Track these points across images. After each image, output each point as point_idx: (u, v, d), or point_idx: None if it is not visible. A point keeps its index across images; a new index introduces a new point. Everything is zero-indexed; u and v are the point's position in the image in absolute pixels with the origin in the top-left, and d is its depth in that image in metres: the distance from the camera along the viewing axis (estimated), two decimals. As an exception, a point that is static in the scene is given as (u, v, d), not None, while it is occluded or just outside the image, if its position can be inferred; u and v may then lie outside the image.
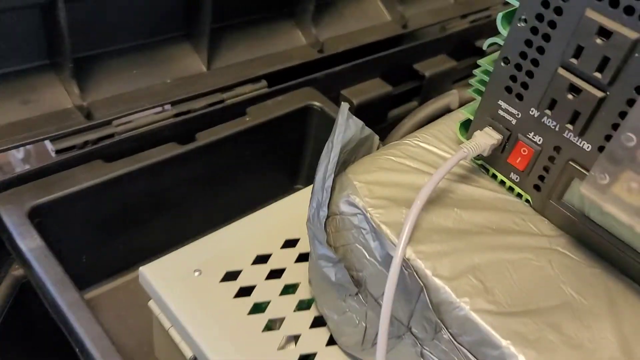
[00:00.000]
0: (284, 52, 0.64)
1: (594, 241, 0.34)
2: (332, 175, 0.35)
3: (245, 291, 0.41)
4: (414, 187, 0.35)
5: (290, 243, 0.46)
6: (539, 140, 0.34)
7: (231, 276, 0.42)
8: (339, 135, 0.35)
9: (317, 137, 0.60)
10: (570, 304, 0.31)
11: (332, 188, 0.36)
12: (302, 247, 0.45)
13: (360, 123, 0.38)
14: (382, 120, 0.69)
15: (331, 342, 0.40)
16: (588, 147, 0.32)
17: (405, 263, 0.31)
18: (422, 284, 0.31)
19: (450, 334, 0.30)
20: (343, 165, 0.37)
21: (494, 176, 0.38)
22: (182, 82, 0.54)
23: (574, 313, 0.30)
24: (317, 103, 0.59)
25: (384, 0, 0.71)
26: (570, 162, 0.33)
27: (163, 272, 0.40)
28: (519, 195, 0.37)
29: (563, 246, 0.34)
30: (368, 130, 0.39)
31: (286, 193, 0.51)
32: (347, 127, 0.36)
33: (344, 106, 0.36)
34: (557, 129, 0.33)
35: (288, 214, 0.46)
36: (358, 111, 0.65)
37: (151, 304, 0.41)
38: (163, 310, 0.39)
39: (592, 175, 0.30)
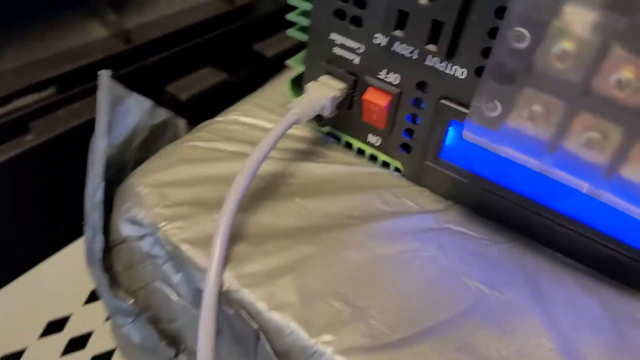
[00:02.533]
0: (79, 48, 0.50)
1: (493, 205, 0.24)
2: (102, 186, 0.22)
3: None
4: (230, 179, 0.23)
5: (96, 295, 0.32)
6: (396, 79, 0.24)
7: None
8: (101, 123, 0.23)
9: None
10: (481, 305, 0.20)
11: (114, 204, 0.23)
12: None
13: (148, 103, 0.26)
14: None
15: None
16: (462, 72, 0.22)
17: (226, 299, 0.20)
18: (255, 326, 0.19)
19: (314, 396, 0.19)
20: (126, 168, 0.25)
21: (349, 145, 0.27)
22: None
23: (490, 317, 0.20)
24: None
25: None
26: (443, 101, 0.23)
27: None
28: (386, 165, 0.26)
29: (454, 222, 0.24)
30: (164, 113, 0.27)
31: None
32: (121, 111, 0.24)
33: (103, 76, 0.23)
34: (415, 56, 0.22)
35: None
36: (189, 108, 0.53)
37: None
38: None
39: (476, 108, 0.20)
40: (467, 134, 0.21)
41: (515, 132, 0.20)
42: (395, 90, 0.24)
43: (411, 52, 0.23)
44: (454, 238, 0.23)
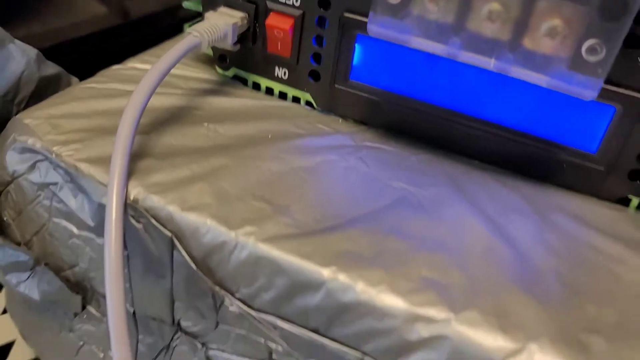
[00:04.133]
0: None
1: (407, 119, 0.24)
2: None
3: None
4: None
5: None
6: (297, 1, 0.23)
7: None
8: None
9: None
10: (407, 199, 0.20)
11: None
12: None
13: (34, 52, 0.24)
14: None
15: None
16: (362, -22, 0.22)
17: (133, 210, 0.18)
18: (168, 234, 0.17)
19: (240, 300, 0.17)
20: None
21: (256, 86, 0.26)
22: None
23: (417, 208, 0.19)
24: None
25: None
26: (346, 14, 0.22)
27: None
28: (296, 101, 0.26)
29: (371, 140, 0.23)
30: (54, 68, 0.25)
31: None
32: (2, 56, 0.22)
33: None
34: (314, -31, 0.22)
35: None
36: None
37: None
38: None
39: (379, -3, 0.19)
40: (373, 29, 0.20)
41: (420, 18, 0.20)
42: (298, 12, 0.23)
43: (309, -33, 0.22)
44: (373, 152, 0.22)
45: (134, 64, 0.26)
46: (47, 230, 0.20)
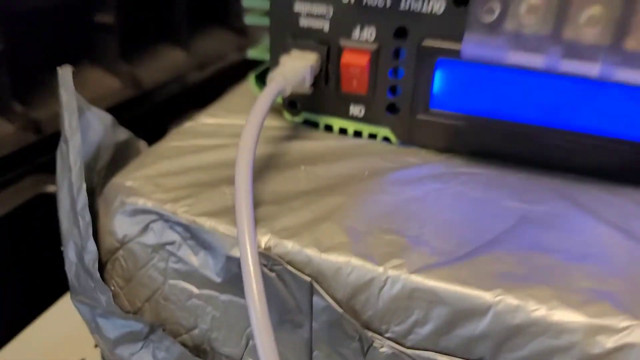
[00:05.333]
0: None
1: (496, 143, 0.23)
2: (84, 187, 0.19)
3: None
4: (225, 164, 0.21)
5: None
6: (371, 35, 0.23)
7: None
8: (72, 121, 0.20)
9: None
10: (528, 217, 0.19)
11: (93, 216, 0.20)
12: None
13: (109, 117, 0.24)
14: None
15: None
16: (439, 5, 0.22)
17: (265, 257, 0.17)
18: (307, 279, 0.16)
19: (392, 340, 0.16)
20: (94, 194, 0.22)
21: (328, 128, 0.26)
22: None
23: (542, 224, 0.19)
24: (53, 187, 0.42)
25: (104, 65, 0.58)
26: (425, 43, 0.22)
27: None
28: (372, 137, 0.25)
29: (463, 165, 0.23)
30: (125, 133, 0.25)
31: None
32: (82, 124, 0.21)
33: (65, 74, 0.21)
34: (388, 3, 0.22)
35: (52, 338, 0.29)
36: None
37: None
38: None
39: (473, 17, 0.19)
40: (468, 50, 0.20)
41: (516, 32, 0.20)
42: (373, 47, 0.23)
43: (384, 0, 0.22)
44: (471, 177, 0.22)
45: (204, 120, 0.25)
46: (161, 294, 0.19)
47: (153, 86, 0.62)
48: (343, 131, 0.26)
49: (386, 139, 0.25)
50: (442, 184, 0.21)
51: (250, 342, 0.18)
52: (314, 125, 0.26)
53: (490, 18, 0.19)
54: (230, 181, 0.18)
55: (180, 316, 0.19)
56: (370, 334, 0.16)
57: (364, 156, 0.23)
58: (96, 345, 0.30)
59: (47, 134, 0.50)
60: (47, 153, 0.49)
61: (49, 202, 0.45)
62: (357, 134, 0.25)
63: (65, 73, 0.21)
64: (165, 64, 0.68)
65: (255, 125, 0.19)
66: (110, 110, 0.56)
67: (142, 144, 0.26)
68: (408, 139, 0.25)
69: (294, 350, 0.18)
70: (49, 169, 0.48)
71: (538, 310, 0.15)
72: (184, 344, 0.19)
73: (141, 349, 0.19)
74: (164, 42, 0.68)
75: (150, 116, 0.59)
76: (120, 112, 0.59)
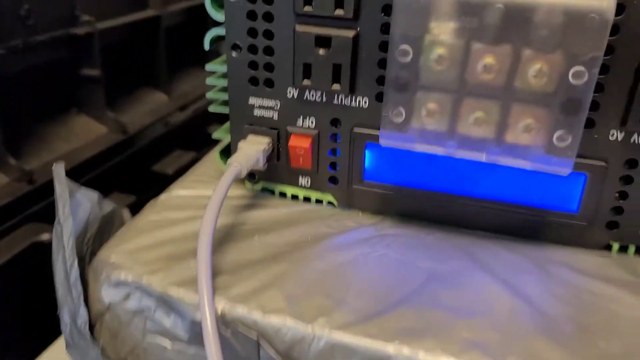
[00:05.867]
0: (-16, 198, 0.50)
1: (417, 207, 0.28)
2: (76, 262, 0.24)
3: None
4: (193, 237, 0.26)
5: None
6: (312, 123, 0.28)
7: None
8: (65, 207, 0.25)
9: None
10: (435, 276, 0.24)
11: (84, 283, 0.25)
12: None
13: (95, 195, 0.28)
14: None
15: None
16: (365, 101, 0.27)
17: (222, 321, 0.22)
18: (255, 336, 0.21)
19: (322, 384, 0.21)
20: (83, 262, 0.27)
21: (283, 195, 0.31)
22: None
23: (445, 282, 0.24)
24: (47, 235, 0.47)
25: (91, 114, 0.63)
26: (355, 129, 0.27)
27: None
28: (319, 202, 0.30)
29: (390, 227, 0.28)
30: (110, 205, 0.29)
31: None
32: (73, 205, 0.26)
33: (59, 169, 0.26)
34: (324, 98, 0.27)
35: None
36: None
37: None
38: None
39: (385, 119, 0.25)
40: (384, 141, 0.25)
41: (420, 129, 0.25)
42: (314, 132, 0.28)
43: (320, 96, 0.27)
44: (395, 238, 0.27)
45: (177, 192, 0.30)
46: (141, 348, 0.24)
47: (138, 129, 0.67)
48: (295, 197, 0.31)
49: (330, 203, 0.30)
50: (369, 248, 0.26)
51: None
52: (271, 192, 0.31)
53: (399, 119, 0.24)
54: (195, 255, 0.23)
55: (157, 365, 0.24)
56: (305, 379, 0.21)
57: (310, 222, 0.28)
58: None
59: (40, 184, 0.55)
60: (40, 201, 0.54)
61: (43, 251, 0.50)
62: (307, 199, 0.30)
63: (58, 168, 0.25)
64: (148, 107, 0.73)
65: (215, 208, 0.24)
66: (98, 155, 0.61)
67: (125, 212, 0.31)
68: (347, 204, 0.30)
69: (247, 393, 0.22)
70: (42, 218, 0.53)
71: (426, 358, 0.20)
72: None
73: (127, 392, 0.24)
74: (146, 87, 0.73)
75: (136, 157, 0.64)
76: (109, 156, 0.64)
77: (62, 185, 0.25)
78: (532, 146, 0.24)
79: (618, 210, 0.26)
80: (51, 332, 0.46)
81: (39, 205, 0.54)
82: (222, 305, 0.22)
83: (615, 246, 0.27)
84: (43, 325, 0.50)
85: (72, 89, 0.60)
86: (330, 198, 0.30)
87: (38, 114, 0.61)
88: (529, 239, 0.27)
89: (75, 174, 0.57)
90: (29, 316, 0.50)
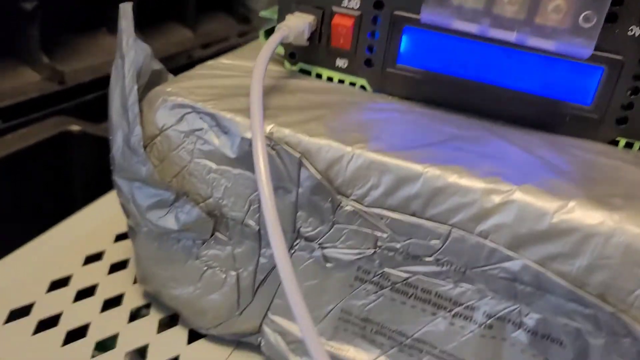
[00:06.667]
0: (14, 89, 0.53)
1: (445, 93, 0.31)
2: (135, 88, 0.26)
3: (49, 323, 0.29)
4: (241, 87, 0.28)
5: (93, 258, 0.34)
6: (356, 4, 0.30)
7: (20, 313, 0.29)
8: (129, 39, 0.27)
9: (83, 164, 0.50)
10: (458, 136, 0.26)
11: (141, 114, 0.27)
12: (111, 257, 0.34)
13: (148, 49, 0.31)
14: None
15: (193, 337, 0.29)
16: (409, -18, 0.29)
17: (270, 140, 0.24)
18: (297, 154, 0.24)
19: (355, 201, 0.23)
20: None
21: (319, 76, 0.33)
22: None
23: (466, 141, 0.26)
24: (76, 127, 0.49)
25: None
26: (396, 12, 0.30)
27: None
28: (352, 85, 0.33)
29: (420, 107, 0.30)
30: (159, 64, 0.32)
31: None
32: (134, 44, 0.28)
33: (126, 6, 0.28)
34: (371, -20, 0.30)
35: (77, 234, 0.35)
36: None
37: None
38: None
39: (429, -8, 0.27)
40: (425, 16, 0.28)
41: (458, 6, 0.27)
42: (357, 13, 0.31)
43: (367, -22, 0.30)
44: (422, 113, 0.29)
45: (222, 61, 0.32)
46: (187, 170, 0.26)
47: (163, 55, 0.70)
48: (330, 79, 0.33)
49: (362, 87, 0.32)
50: (399, 114, 0.28)
51: (252, 206, 0.25)
52: (307, 73, 0.33)
53: (441, -7, 0.27)
54: (246, 95, 0.25)
55: (200, 187, 0.26)
56: (339, 196, 0.24)
57: (344, 94, 0.30)
58: (116, 240, 0.37)
59: (70, 85, 0.57)
60: (69, 100, 0.56)
61: (72, 139, 0.52)
62: (341, 82, 0.33)
63: (126, 6, 0.27)
64: (174, 39, 0.76)
65: (267, 52, 0.26)
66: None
67: (168, 75, 0.33)
68: (379, 87, 0.32)
69: (284, 211, 0.25)
70: (71, 114, 0.55)
71: (452, 178, 0.22)
72: (201, 209, 0.26)
73: (167, 213, 0.26)
74: (174, 22, 0.76)
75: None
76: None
77: (128, 20, 0.27)
78: (559, 27, 0.26)
79: (629, 106, 0.28)
80: (62, 212, 0.48)
81: (69, 103, 0.56)
82: (270, 127, 0.24)
83: (622, 142, 0.29)
84: (57, 204, 0.52)
85: (102, 10, 0.63)
86: (364, 82, 0.32)
87: (74, 26, 0.64)
88: (543, 130, 0.29)
89: (107, 83, 0.59)
90: (46, 195, 0.52)
